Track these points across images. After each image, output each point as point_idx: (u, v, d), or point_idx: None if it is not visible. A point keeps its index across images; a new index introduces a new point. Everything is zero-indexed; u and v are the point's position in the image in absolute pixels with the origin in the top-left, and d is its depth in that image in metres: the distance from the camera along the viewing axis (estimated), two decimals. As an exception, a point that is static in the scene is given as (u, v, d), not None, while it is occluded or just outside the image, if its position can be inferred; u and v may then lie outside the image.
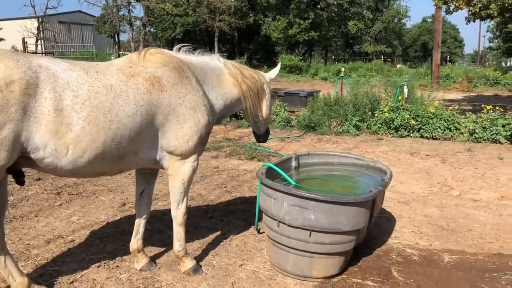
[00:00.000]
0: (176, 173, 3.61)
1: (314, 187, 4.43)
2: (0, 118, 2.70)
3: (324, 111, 11.42)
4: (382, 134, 10.67)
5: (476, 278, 4.00)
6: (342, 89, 12.55)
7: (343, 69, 13.62)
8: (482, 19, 13.65)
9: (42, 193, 5.79)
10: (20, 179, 3.22)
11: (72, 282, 3.60)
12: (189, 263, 3.85)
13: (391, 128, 10.58)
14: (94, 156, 3.07)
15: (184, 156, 3.55)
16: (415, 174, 7.54)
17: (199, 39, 44.10)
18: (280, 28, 39.93)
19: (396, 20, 59.41)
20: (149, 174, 3.86)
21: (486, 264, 4.33)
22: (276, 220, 3.78)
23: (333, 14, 42.65)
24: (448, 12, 14.49)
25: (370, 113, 11.06)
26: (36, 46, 45.58)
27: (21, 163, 3.02)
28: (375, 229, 5.01)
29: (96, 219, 4.99)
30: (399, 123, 10.39)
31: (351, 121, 10.80)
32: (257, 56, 46.07)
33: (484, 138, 9.98)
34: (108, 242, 4.39)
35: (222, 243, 4.50)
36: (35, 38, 51.35)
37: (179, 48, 3.81)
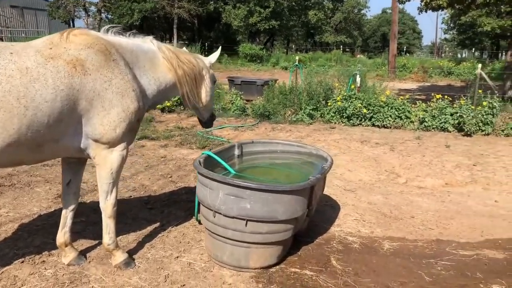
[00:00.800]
0: (103, 163, 3.41)
1: (255, 176, 4.34)
2: None
3: (280, 100, 11.35)
4: (335, 123, 10.71)
5: (413, 265, 4.03)
6: (297, 78, 12.49)
7: (297, 58, 13.52)
8: (434, 9, 13.87)
9: (-29, 185, 5.44)
10: None
11: (-10, 280, 3.36)
12: (120, 257, 3.67)
13: (344, 117, 10.63)
14: (7, 144, 2.83)
15: (111, 144, 3.35)
16: (364, 162, 7.59)
17: (158, 26, 43.17)
18: (241, 16, 39.60)
19: (356, 11, 60.04)
20: (75, 163, 3.64)
21: (424, 251, 4.37)
22: (212, 210, 3.66)
23: (293, 3, 42.68)
24: (401, 2, 14.69)
25: (324, 102, 11.07)
26: (-15, 31, 43.44)
27: None
28: (318, 217, 4.98)
29: (28, 212, 4.72)
30: (351, 112, 10.45)
31: (305, 110, 10.78)
32: (218, 44, 45.44)
33: (433, 126, 10.18)
34: (37, 235, 4.15)
35: (159, 235, 4.33)
36: (-17, 23, 48.95)
37: (107, 29, 3.58)
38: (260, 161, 4.79)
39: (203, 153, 4.21)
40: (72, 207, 3.68)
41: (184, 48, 4.46)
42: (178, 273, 3.65)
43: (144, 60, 3.64)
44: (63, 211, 3.68)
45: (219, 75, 19.50)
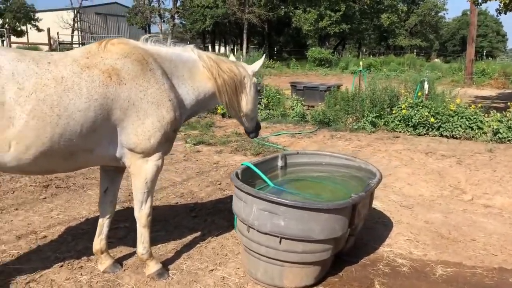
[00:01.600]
0: (138, 172, 3.39)
1: (296, 190, 4.15)
2: None
3: (341, 106, 11.00)
4: (400, 132, 10.18)
5: (467, 296, 3.64)
6: (360, 84, 12.06)
7: (361, 62, 13.06)
8: (514, 11, 12.80)
9: (30, 185, 5.71)
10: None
11: (28, 282, 3.46)
12: (153, 267, 3.64)
13: (409, 126, 10.07)
14: (40, 153, 2.88)
15: (146, 154, 3.33)
16: (426, 175, 7.09)
17: (229, 31, 44.01)
18: (311, 21, 39.32)
19: (433, 13, 57.45)
20: (113, 172, 3.66)
21: (483, 280, 3.94)
22: (246, 224, 3.52)
23: (365, 6, 41.67)
24: (477, 3, 13.67)
25: (388, 109, 10.57)
26: (72, 37, 46.61)
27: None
28: (368, 235, 4.69)
29: (77, 215, 4.86)
30: (417, 121, 9.87)
31: (367, 118, 10.35)
32: (287, 49, 45.59)
33: (509, 138, 9.36)
34: (81, 240, 4.24)
35: (198, 245, 4.27)
36: (71, 29, 52.62)
37: (147, 39, 3.57)
38: (304, 174, 4.59)
39: (242, 164, 4.10)
40: (108, 215, 3.71)
41: (232, 56, 4.38)
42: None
43: (183, 69, 3.59)
44: (100, 219, 3.72)
45: (285, 80, 19.44)
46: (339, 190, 4.29)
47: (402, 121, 10.17)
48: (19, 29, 57.20)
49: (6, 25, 55.96)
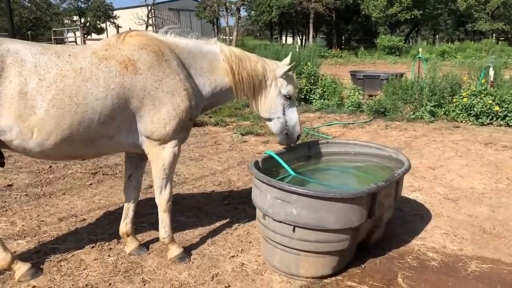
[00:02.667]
0: (155, 159, 3.52)
1: (320, 180, 4.09)
2: None
3: (399, 95, 10.58)
4: (461, 122, 9.60)
5: (497, 295, 3.40)
6: (419, 71, 11.49)
7: (420, 49, 12.41)
8: None
9: (80, 172, 6.10)
10: (0, 160, 3.36)
11: (60, 261, 3.72)
12: (174, 251, 3.78)
13: (471, 115, 9.46)
14: (61, 139, 3.09)
15: (162, 141, 3.45)
16: (481, 167, 6.66)
17: (295, 21, 43.61)
18: (380, 7, 37.98)
19: (518, -6, 53.03)
20: (136, 158, 3.82)
21: (520, 278, 3.66)
22: (262, 212, 3.55)
23: (439, -10, 39.50)
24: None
25: (449, 98, 10.01)
26: (146, 33, 48.60)
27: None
28: (402, 228, 4.53)
29: (117, 200, 5.13)
30: (479, 110, 9.25)
31: (426, 107, 9.86)
32: (356, 37, 44.42)
33: None
34: (115, 223, 4.46)
35: (224, 232, 4.35)
36: (145, 25, 54.97)
37: (166, 31, 3.67)
38: (333, 164, 4.50)
39: (265, 153, 4.10)
40: (133, 200, 3.88)
41: (262, 58, 4.22)
42: (228, 273, 3.62)
43: (203, 61, 3.65)
44: (125, 203, 3.91)
45: (351, 69, 18.90)
46: (368, 180, 4.17)
47: (463, 110, 9.59)
48: (99, 26, 60.83)
49: (88, 23, 59.80)
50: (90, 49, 3.31)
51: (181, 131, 3.52)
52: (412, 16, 38.67)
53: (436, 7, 40.84)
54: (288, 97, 3.91)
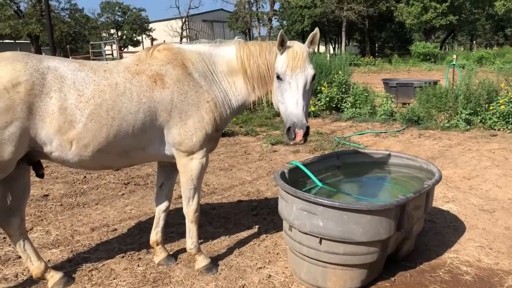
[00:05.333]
0: (183, 170, 3.57)
1: (348, 191, 4.05)
2: (7, 116, 2.92)
3: (433, 103, 10.35)
4: (498, 130, 9.29)
5: (535, 312, 3.25)
6: (453, 78, 11.21)
7: (455, 56, 12.11)
8: None
9: (113, 182, 6.24)
10: (39, 172, 3.48)
11: (91, 270, 3.81)
12: (201, 261, 3.80)
13: (509, 122, 9.14)
14: (97, 150, 3.19)
15: (190, 152, 3.50)
16: (521, 177, 6.41)
17: (327, 30, 43.50)
18: (414, 14, 37.36)
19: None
20: (169, 167, 3.88)
21: (561, 295, 3.49)
22: (288, 223, 3.53)
23: (476, -6, 38.54)
24: None
25: (486, 105, 9.71)
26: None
27: (36, 155, 3.25)
28: (434, 240, 4.41)
29: (148, 210, 5.21)
30: (519, 117, 8.94)
31: (461, 115, 9.60)
32: (390, 45, 43.80)
33: None
34: (145, 233, 4.54)
35: (251, 243, 4.35)
36: (179, 37, 56.10)
37: (192, 41, 3.73)
38: (362, 174, 4.43)
39: (291, 163, 4.09)
40: (164, 208, 3.95)
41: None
42: (254, 285, 3.61)
43: (222, 64, 3.59)
44: (156, 212, 3.98)
45: (384, 77, 18.63)
46: (398, 191, 4.09)
47: (501, 118, 9.28)
48: (135, 39, 62.52)
49: (124, 36, 61.53)
50: (123, 64, 3.42)
51: (209, 142, 3.56)
52: (448, 22, 37.86)
53: (473, 12, 39.84)
54: (278, 77, 3.36)
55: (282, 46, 3.36)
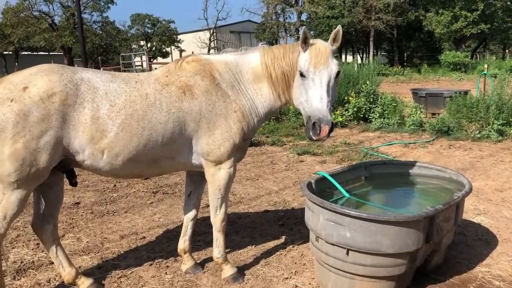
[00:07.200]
0: (211, 179, 3.62)
1: (377, 202, 4.01)
2: (42, 126, 3.03)
3: (463, 113, 10.16)
4: (534, 141, 9.04)
5: None
6: (485, 88, 10.98)
7: (486, 65, 11.85)
8: None
9: (142, 191, 6.36)
10: (72, 180, 3.59)
11: (120, 277, 3.88)
12: (228, 271, 3.83)
13: (544, 133, 8.90)
14: (128, 159, 3.27)
15: (218, 162, 3.54)
16: (556, 189, 6.22)
17: (355, 39, 43.22)
18: (444, 23, 36.82)
19: None
20: (197, 176, 3.93)
21: None
22: (315, 234, 3.52)
23: (508, 2, 37.65)
24: None
25: (520, 116, 9.47)
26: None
27: (70, 164, 3.36)
28: (464, 253, 4.32)
29: (176, 219, 5.28)
30: (554, 128, 8.68)
31: (493, 125, 9.39)
32: (419, 54, 43.24)
33: None
34: (173, 242, 4.60)
35: (278, 253, 4.35)
36: (207, 48, 56.84)
37: (220, 51, 3.80)
38: (390, 185, 4.39)
39: (317, 173, 4.09)
40: (192, 217, 4.00)
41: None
42: (281, 295, 3.61)
43: (248, 72, 3.62)
44: (184, 221, 4.03)
45: (413, 87, 18.39)
46: (427, 202, 4.03)
47: (535, 128, 9.03)
48: (164, 50, 63.74)
49: (153, 48, 62.78)
50: (153, 75, 3.51)
51: (236, 152, 3.60)
52: (479, 31, 37.17)
53: (505, 20, 38.96)
54: (301, 74, 3.33)
55: (305, 43, 3.34)
